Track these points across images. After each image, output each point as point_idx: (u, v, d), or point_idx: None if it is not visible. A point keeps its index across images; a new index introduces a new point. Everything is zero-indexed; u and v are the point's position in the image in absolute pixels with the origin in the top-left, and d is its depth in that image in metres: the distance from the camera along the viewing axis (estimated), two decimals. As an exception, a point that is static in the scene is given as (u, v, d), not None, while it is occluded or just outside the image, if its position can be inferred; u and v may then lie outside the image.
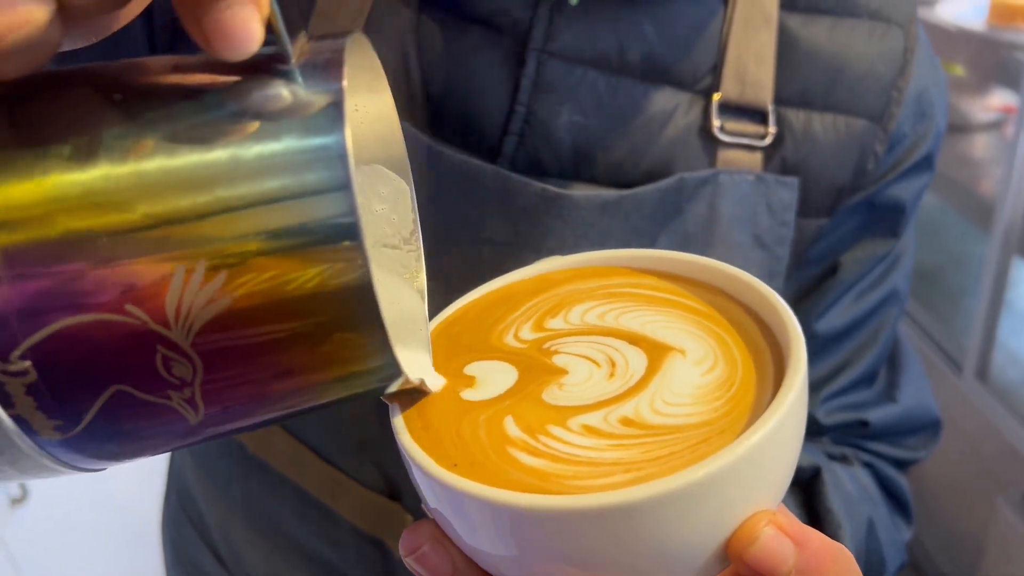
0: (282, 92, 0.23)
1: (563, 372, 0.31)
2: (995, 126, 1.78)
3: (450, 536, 0.29)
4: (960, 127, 1.79)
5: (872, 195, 0.53)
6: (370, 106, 0.31)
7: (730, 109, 0.49)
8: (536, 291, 0.36)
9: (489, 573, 0.29)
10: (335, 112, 0.23)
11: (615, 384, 0.30)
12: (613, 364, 0.31)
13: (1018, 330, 1.62)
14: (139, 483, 1.75)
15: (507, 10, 0.46)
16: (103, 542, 1.52)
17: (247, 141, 0.22)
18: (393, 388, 0.27)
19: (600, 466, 0.26)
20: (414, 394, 0.31)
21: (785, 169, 0.50)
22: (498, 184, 0.46)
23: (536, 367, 0.31)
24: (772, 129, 0.49)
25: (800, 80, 0.50)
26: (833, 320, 0.54)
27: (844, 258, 0.54)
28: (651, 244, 0.48)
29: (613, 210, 0.47)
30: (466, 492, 0.26)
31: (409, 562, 0.30)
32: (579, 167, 0.48)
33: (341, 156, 0.22)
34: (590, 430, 0.28)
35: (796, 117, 0.50)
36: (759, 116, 0.50)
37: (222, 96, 0.23)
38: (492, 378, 0.31)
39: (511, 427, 0.28)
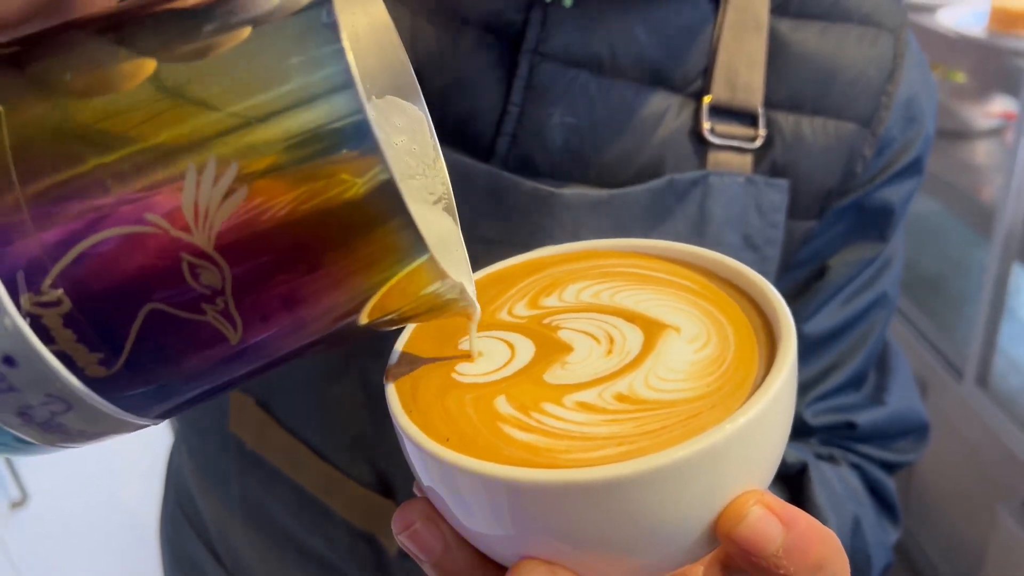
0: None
1: (567, 347, 0.31)
2: (996, 133, 1.78)
3: (442, 513, 0.29)
4: (961, 133, 1.79)
5: (861, 198, 0.53)
6: (369, 33, 0.31)
7: (720, 112, 0.50)
8: (528, 273, 0.36)
9: (479, 550, 0.30)
10: (327, 14, 0.22)
11: (612, 361, 0.30)
12: (612, 340, 0.31)
13: (1019, 337, 1.62)
14: (139, 485, 1.76)
15: (501, 12, 0.47)
16: (103, 543, 1.52)
17: (243, 47, 0.22)
18: (432, 289, 0.26)
19: (593, 440, 0.26)
20: (413, 363, 0.31)
21: (775, 171, 0.51)
22: (490, 183, 0.47)
23: (538, 340, 0.31)
24: (762, 132, 0.50)
25: (790, 84, 0.51)
26: (822, 322, 0.55)
27: (833, 261, 0.55)
28: None
29: (604, 209, 0.48)
30: (456, 466, 0.26)
31: (401, 539, 0.30)
32: (571, 167, 0.49)
33: (337, 43, 0.22)
34: (584, 406, 0.28)
35: (786, 120, 0.51)
36: (749, 119, 0.50)
37: (213, 8, 0.23)
38: (489, 353, 0.31)
39: (504, 405, 0.28)
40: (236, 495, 0.60)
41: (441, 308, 0.28)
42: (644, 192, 0.48)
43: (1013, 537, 1.40)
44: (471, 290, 0.30)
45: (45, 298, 0.22)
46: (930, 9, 1.69)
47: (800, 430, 0.57)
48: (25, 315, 0.22)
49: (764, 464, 0.28)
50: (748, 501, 0.26)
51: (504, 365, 0.31)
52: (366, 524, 0.54)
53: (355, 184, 0.22)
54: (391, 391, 0.30)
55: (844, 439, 0.58)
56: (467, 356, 0.31)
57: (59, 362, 0.23)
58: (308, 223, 0.22)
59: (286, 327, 0.24)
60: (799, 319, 0.55)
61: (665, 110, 0.49)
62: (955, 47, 1.55)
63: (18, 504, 1.25)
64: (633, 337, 0.31)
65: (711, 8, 0.50)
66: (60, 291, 0.22)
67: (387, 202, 0.22)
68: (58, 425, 0.24)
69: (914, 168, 0.54)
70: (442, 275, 0.25)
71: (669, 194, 0.49)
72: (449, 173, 0.47)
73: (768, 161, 0.51)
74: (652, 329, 0.31)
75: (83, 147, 0.22)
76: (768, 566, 0.26)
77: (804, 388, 0.56)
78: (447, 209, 0.33)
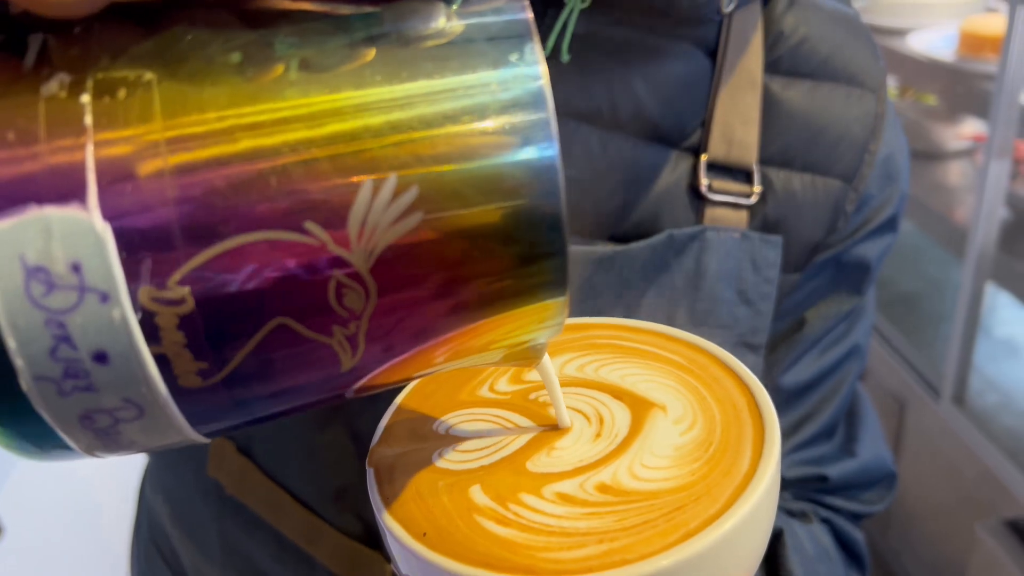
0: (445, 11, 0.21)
1: (551, 426, 0.30)
2: (967, 154, 1.81)
3: None
4: (933, 155, 1.81)
5: (840, 253, 0.54)
6: None
7: (717, 168, 0.51)
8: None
9: None
10: (524, 28, 0.21)
11: (600, 445, 0.29)
12: (601, 421, 0.30)
13: (995, 355, 1.64)
14: (115, 518, 1.74)
15: None
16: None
17: (439, 58, 0.21)
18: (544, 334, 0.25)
19: (572, 536, 0.26)
20: (396, 443, 0.30)
21: (767, 226, 0.52)
22: None
23: (526, 419, 0.31)
24: (758, 188, 0.51)
25: (781, 140, 0.52)
26: (798, 374, 0.56)
27: (809, 314, 0.56)
28: (641, 297, 0.49)
29: (608, 265, 0.48)
30: (432, 564, 0.25)
31: None
32: (571, 220, 0.49)
33: (536, 80, 0.21)
34: (564, 498, 0.27)
35: (777, 176, 0.52)
36: (744, 175, 0.51)
37: (391, 13, 0.21)
38: (471, 438, 0.31)
39: (480, 495, 0.28)
40: (215, 540, 0.58)
41: (522, 355, 0.26)
42: (645, 248, 0.48)
43: (993, 556, 1.40)
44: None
45: (168, 295, 0.20)
46: (901, 33, 1.72)
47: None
48: (138, 309, 0.20)
49: (749, 561, 0.28)
50: None
51: (487, 450, 0.30)
52: (350, 573, 0.53)
53: (530, 232, 0.21)
54: (371, 475, 0.30)
55: (816, 492, 0.58)
56: (450, 440, 0.31)
57: (156, 366, 0.20)
58: (471, 259, 0.21)
59: (401, 360, 0.23)
60: (777, 370, 0.55)
61: (663, 164, 0.50)
62: (926, 70, 1.58)
63: (-8, 537, 1.23)
64: (622, 417, 0.30)
65: (709, 65, 0.51)
66: (187, 290, 0.20)
67: (551, 246, 0.21)
68: (115, 433, 0.22)
69: (890, 225, 0.56)
70: (563, 321, 0.24)
71: (668, 249, 0.49)
72: None
73: (760, 216, 0.52)
74: (639, 408, 0.31)
75: (246, 135, 0.20)
76: None
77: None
78: None
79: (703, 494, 0.27)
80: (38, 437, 0.21)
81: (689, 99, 0.50)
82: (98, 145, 0.19)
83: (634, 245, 0.48)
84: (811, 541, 0.54)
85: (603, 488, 0.27)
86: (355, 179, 0.20)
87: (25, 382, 0.20)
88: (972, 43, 1.49)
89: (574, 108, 0.48)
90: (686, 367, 0.33)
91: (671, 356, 0.33)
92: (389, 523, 0.27)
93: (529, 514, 0.27)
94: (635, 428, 0.30)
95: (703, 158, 0.50)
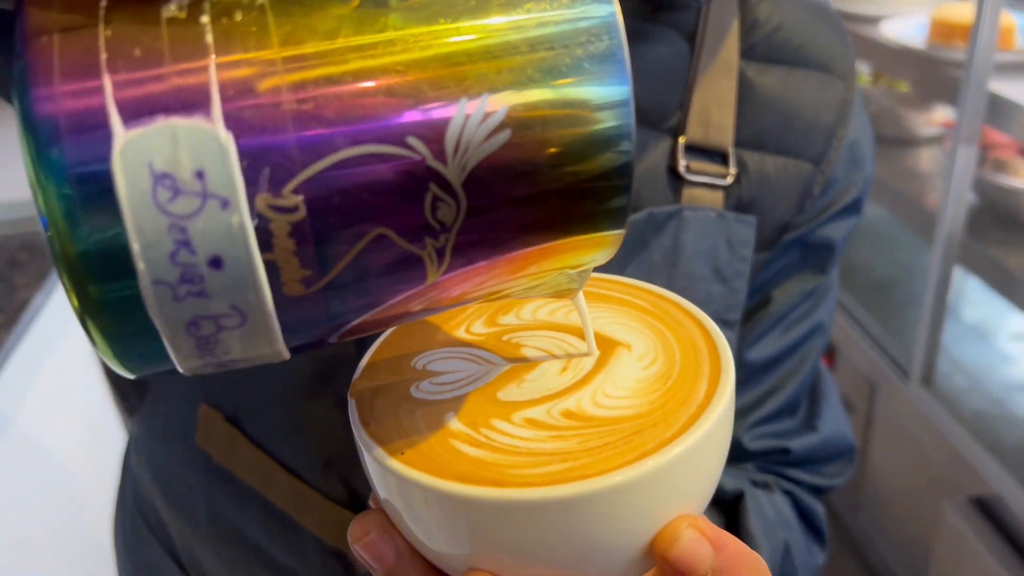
0: None
1: (525, 363, 0.32)
2: (938, 140, 1.83)
3: (396, 524, 0.31)
4: (906, 141, 1.84)
5: (806, 234, 0.57)
6: None
7: (694, 150, 0.53)
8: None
9: (430, 561, 0.31)
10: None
11: (566, 377, 0.31)
12: (568, 357, 0.32)
13: (963, 338, 1.67)
14: (98, 503, 1.74)
15: None
16: (61, 561, 1.50)
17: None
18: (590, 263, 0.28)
19: (538, 456, 0.28)
20: (376, 378, 0.33)
21: (740, 206, 0.54)
22: None
23: (498, 357, 0.33)
24: (733, 170, 0.53)
25: (756, 124, 0.54)
26: (763, 350, 0.58)
27: (776, 292, 0.58)
28: (620, 272, 0.51)
29: None
30: (408, 479, 0.27)
31: (356, 548, 0.31)
32: None
33: (611, 13, 0.23)
34: (532, 423, 0.29)
35: (751, 158, 0.54)
36: (720, 157, 0.53)
37: None
38: (448, 370, 0.33)
39: (455, 422, 0.30)
40: (203, 509, 0.59)
41: (559, 284, 0.29)
42: (628, 225, 0.50)
43: (958, 533, 1.44)
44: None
45: (283, 203, 0.21)
46: (874, 21, 1.74)
47: (738, 455, 0.59)
48: (255, 216, 0.21)
49: (699, 489, 0.30)
50: (682, 524, 0.28)
51: (461, 382, 0.32)
52: (337, 541, 0.54)
53: (604, 156, 0.23)
54: (352, 405, 0.31)
55: (778, 464, 0.60)
56: (427, 374, 0.32)
57: (266, 272, 0.22)
58: (550, 178, 0.23)
59: (476, 274, 0.25)
60: (743, 345, 0.58)
61: (644, 145, 0.52)
62: (898, 58, 1.60)
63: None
64: (587, 354, 0.32)
65: (687, 50, 0.53)
66: (300, 198, 0.21)
67: (622, 176, 0.24)
68: (214, 343, 0.23)
69: (854, 207, 0.58)
70: (610, 253, 0.26)
71: (647, 226, 0.51)
72: None
73: (735, 197, 0.54)
74: (605, 346, 0.33)
75: (355, 56, 0.21)
76: None
77: (743, 413, 0.59)
78: None
79: (660, 420, 0.29)
80: (142, 344, 0.23)
81: (669, 82, 0.52)
82: (219, 63, 0.21)
83: None
84: (772, 507, 0.56)
85: (568, 414, 0.30)
86: (452, 98, 0.22)
87: (143, 286, 0.21)
88: (942, 31, 1.51)
89: None
90: (652, 312, 0.35)
91: (639, 303, 0.35)
92: (369, 446, 0.29)
93: (499, 437, 0.29)
94: (600, 363, 0.32)
95: (681, 140, 0.52)
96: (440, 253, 0.23)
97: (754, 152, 0.54)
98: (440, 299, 0.26)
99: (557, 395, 0.31)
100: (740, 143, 0.54)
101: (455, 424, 0.30)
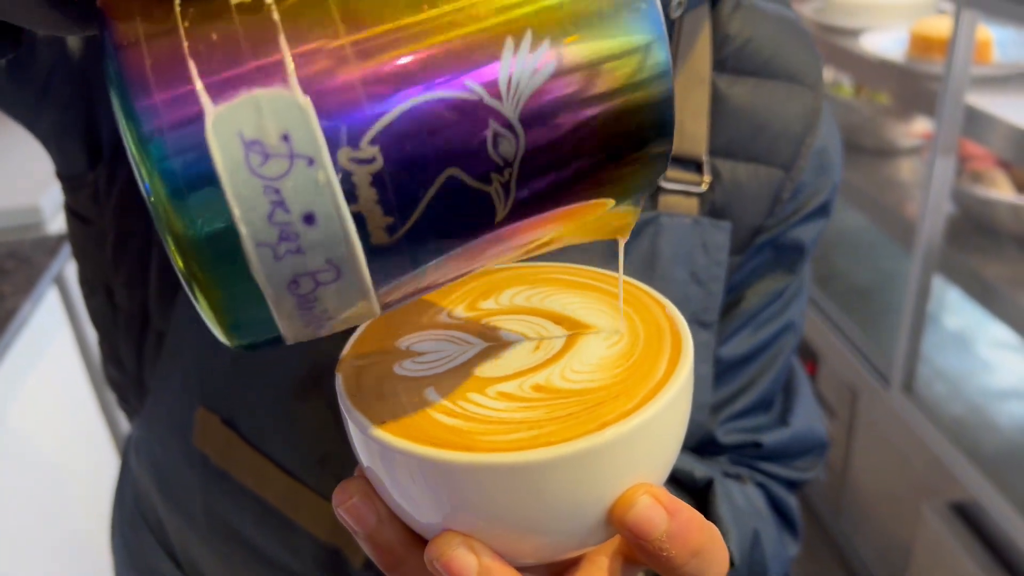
0: None
1: (501, 343, 0.35)
2: (917, 151, 1.87)
3: (377, 490, 0.33)
4: (885, 152, 1.87)
5: (777, 236, 0.59)
6: None
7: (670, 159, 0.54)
8: (470, 279, 0.39)
9: (409, 526, 0.33)
10: None
11: (537, 356, 0.34)
12: (541, 338, 0.35)
13: (943, 346, 1.70)
14: (84, 500, 1.73)
15: None
16: (49, 558, 1.50)
17: None
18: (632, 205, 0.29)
19: (508, 424, 0.30)
20: (362, 357, 0.35)
21: (714, 211, 0.56)
22: None
23: (476, 339, 0.35)
24: (707, 178, 0.55)
25: (728, 133, 0.56)
26: (736, 347, 0.60)
27: (748, 292, 0.60)
28: None
29: (567, 249, 0.52)
30: (387, 444, 0.30)
31: (339, 512, 0.33)
32: None
33: None
34: (504, 395, 0.32)
35: (724, 166, 0.56)
36: (695, 165, 0.55)
37: None
38: (430, 351, 0.35)
39: (433, 394, 0.32)
40: (200, 507, 0.61)
41: (603, 227, 0.31)
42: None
43: (937, 537, 1.46)
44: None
45: (361, 155, 0.23)
46: (855, 33, 1.77)
47: (712, 449, 0.61)
48: (339, 170, 0.23)
49: (657, 460, 0.32)
50: (639, 491, 0.31)
51: (441, 361, 0.34)
52: (332, 537, 0.56)
53: (643, 74, 0.25)
54: (339, 379, 0.33)
55: (751, 458, 0.62)
56: (410, 354, 0.35)
57: (354, 223, 0.23)
58: (601, 103, 0.25)
59: (540, 210, 0.26)
60: (716, 343, 0.59)
61: None
62: (878, 70, 1.63)
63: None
64: (559, 335, 0.35)
65: None
66: (377, 148, 0.23)
67: (662, 85, 0.25)
68: (313, 300, 0.25)
69: (823, 210, 0.61)
70: (658, 173, 0.28)
71: None
72: None
73: (709, 203, 0.56)
74: (574, 328, 0.35)
75: (410, 15, 0.23)
76: (653, 550, 0.31)
77: (717, 408, 0.61)
78: None
79: (621, 393, 0.31)
80: (248, 307, 0.24)
81: None
82: (288, 35, 0.23)
83: None
84: (743, 497, 0.58)
85: (537, 388, 0.32)
86: (499, 39, 0.24)
87: (247, 248, 0.23)
88: (921, 44, 1.54)
89: None
90: (623, 298, 0.37)
91: (610, 289, 0.38)
92: (353, 416, 0.31)
93: (473, 408, 0.31)
94: (569, 343, 0.34)
95: None
96: (506, 188, 0.25)
97: (726, 160, 0.56)
98: (511, 242, 0.27)
99: (529, 371, 0.33)
100: (713, 152, 0.56)
101: (433, 396, 0.32)
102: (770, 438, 0.62)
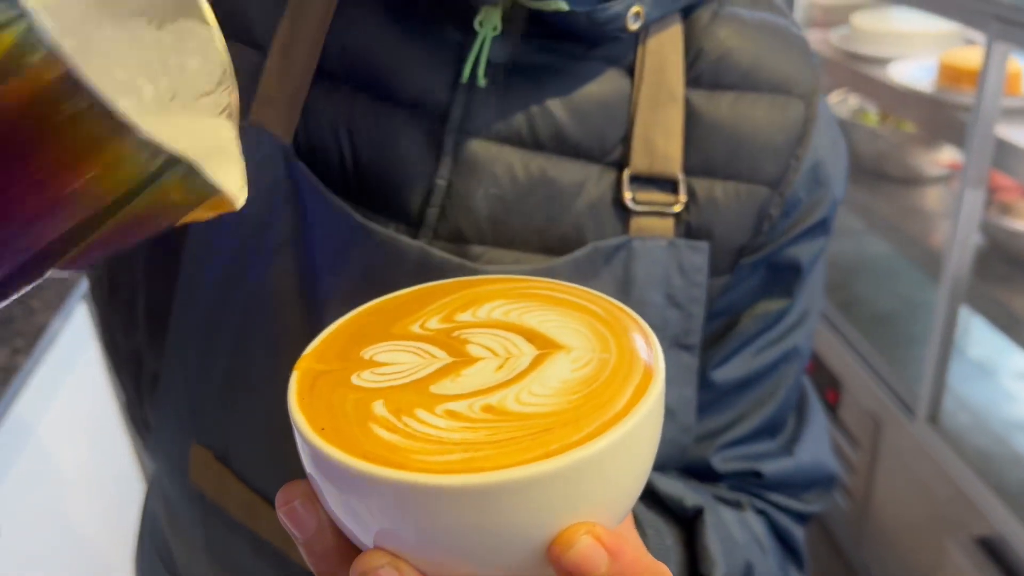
0: None
1: (466, 359, 0.33)
2: (944, 180, 1.86)
3: (318, 496, 0.32)
4: (911, 180, 1.87)
5: (770, 255, 0.57)
6: None
7: (641, 180, 0.53)
8: (454, 290, 0.38)
9: (346, 536, 0.32)
10: None
11: (499, 375, 0.32)
12: (508, 356, 0.33)
13: (968, 376, 1.69)
14: (102, 519, 1.75)
15: (430, 92, 0.51)
16: (67, 582, 1.51)
17: None
18: (146, 164, 0.26)
19: (444, 444, 0.29)
20: (322, 360, 0.34)
21: (691, 232, 0.54)
22: (421, 260, 0.50)
23: (442, 351, 0.34)
24: (682, 198, 0.53)
25: (704, 151, 0.54)
26: (731, 372, 0.58)
27: (743, 315, 0.58)
28: None
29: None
30: (320, 451, 0.29)
31: (280, 514, 0.33)
32: (498, 235, 0.52)
33: None
34: (451, 414, 0.30)
35: (700, 185, 0.54)
36: (669, 185, 0.53)
37: None
38: (391, 363, 0.34)
39: (379, 408, 0.31)
40: (201, 539, 0.61)
41: (185, 196, 0.28)
42: (569, 262, 0.51)
43: (961, 571, 1.45)
44: (236, 183, 0.30)
45: None
46: (880, 62, 1.78)
47: (708, 475, 0.59)
48: None
49: (607, 498, 0.30)
50: (579, 530, 0.29)
51: (401, 374, 0.33)
52: None
53: (42, 79, 0.23)
54: (293, 379, 0.33)
55: (753, 486, 0.60)
56: (371, 364, 0.34)
57: None
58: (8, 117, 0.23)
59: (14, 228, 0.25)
60: (709, 365, 0.58)
61: (584, 180, 0.53)
62: (905, 99, 1.63)
63: (-17, 539, 1.24)
64: (527, 354, 0.33)
65: (628, 83, 0.53)
66: None
67: (75, 91, 0.23)
68: None
69: (820, 228, 0.58)
70: (148, 145, 0.25)
71: (594, 261, 0.52)
72: (383, 252, 0.50)
73: (685, 223, 0.54)
74: (545, 347, 0.34)
75: None
76: None
77: (712, 435, 0.59)
78: (231, 117, 0.34)
79: (571, 421, 0.29)
80: None
81: (607, 117, 0.53)
82: None
83: (558, 261, 0.51)
84: (739, 525, 0.56)
85: (487, 408, 0.30)
86: None
87: None
88: (950, 75, 1.54)
89: (495, 132, 0.52)
90: (602, 318, 0.36)
91: (592, 308, 0.36)
92: (297, 420, 0.31)
93: (417, 425, 0.30)
94: (535, 363, 0.33)
95: (626, 172, 0.53)
96: None
97: (703, 179, 0.54)
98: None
99: (485, 391, 0.31)
100: (689, 171, 0.54)
101: (380, 410, 0.31)
102: (772, 468, 0.60)
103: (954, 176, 1.83)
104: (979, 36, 1.69)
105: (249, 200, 0.51)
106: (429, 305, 0.37)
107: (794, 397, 0.62)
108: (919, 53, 1.76)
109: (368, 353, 0.34)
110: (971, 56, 1.52)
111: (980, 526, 1.45)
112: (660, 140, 0.53)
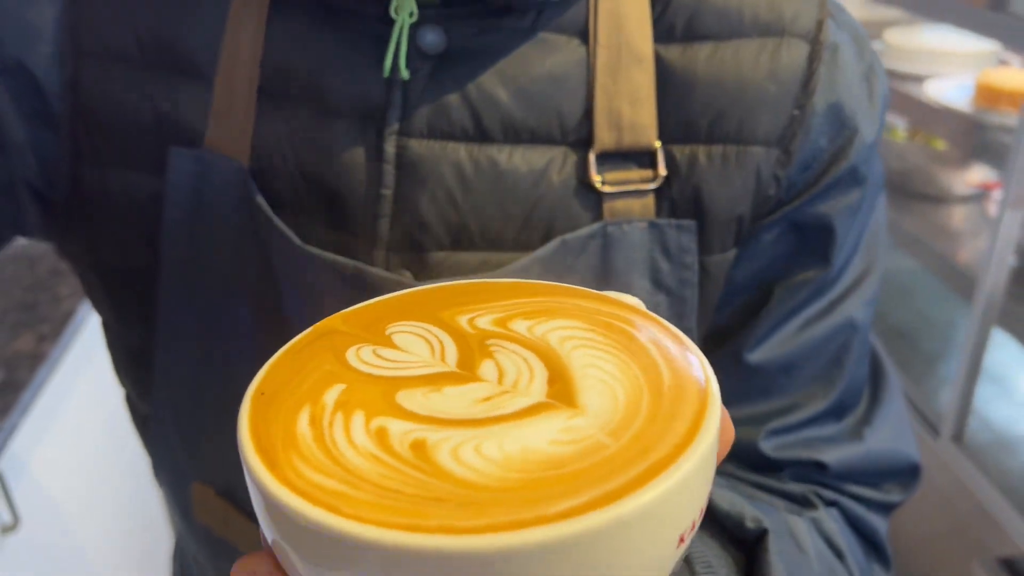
0: None
1: (466, 373, 0.29)
2: (974, 199, 1.86)
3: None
4: (940, 198, 1.87)
5: (792, 215, 0.50)
6: None
7: (611, 157, 0.47)
8: (533, 294, 0.33)
9: None
10: None
11: (474, 410, 0.27)
12: (514, 386, 0.28)
13: (993, 396, 1.69)
14: (131, 511, 1.73)
15: (365, 96, 0.47)
16: (94, 569, 1.50)
17: None
18: None
19: (337, 467, 0.25)
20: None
21: (676, 208, 0.48)
22: (360, 281, 0.46)
23: (460, 353, 0.30)
24: (662, 172, 0.47)
25: (680, 114, 0.47)
26: (771, 351, 0.51)
27: (777, 287, 0.51)
28: None
29: (506, 276, 0.45)
30: (239, 428, 0.27)
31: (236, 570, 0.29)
32: (456, 239, 0.48)
33: None
34: (378, 435, 0.26)
35: (681, 152, 0.48)
36: (646, 158, 0.48)
37: None
38: (401, 348, 0.30)
39: (331, 394, 0.28)
40: (212, 573, 0.61)
41: None
42: (534, 261, 0.46)
43: (986, 592, 1.44)
44: None
45: None
46: (914, 79, 1.78)
47: (762, 464, 0.52)
48: None
49: None
50: None
51: (395, 365, 0.29)
52: None
53: None
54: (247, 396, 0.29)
55: (816, 475, 0.53)
56: (384, 342, 0.31)
57: None
58: None
59: None
60: (743, 348, 0.51)
61: (545, 165, 0.47)
62: (939, 117, 1.63)
63: (9, 528, 1.23)
64: (534, 392, 0.28)
65: (583, 52, 0.47)
66: None
67: None
68: None
69: (850, 178, 0.50)
70: None
71: (564, 255, 0.47)
72: (326, 275, 0.47)
73: (668, 199, 0.48)
74: (560, 397, 0.27)
75: None
76: None
77: (758, 420, 0.52)
78: None
79: (471, 503, 0.23)
80: None
81: (562, 93, 0.47)
82: None
83: (523, 261, 0.46)
84: (811, 535, 0.49)
85: (416, 446, 0.25)
86: None
87: None
88: (987, 95, 1.54)
89: (437, 130, 0.47)
90: (651, 370, 0.28)
91: (657, 353, 0.29)
92: (258, 375, 0.29)
93: (338, 432, 0.26)
94: (524, 413, 0.26)
95: (592, 151, 0.47)
96: None
97: (684, 146, 0.48)
98: None
99: (436, 423, 0.26)
100: (667, 139, 0.48)
101: (329, 396, 0.28)
102: (836, 455, 0.52)
103: (985, 195, 1.83)
104: (1014, 57, 1.69)
105: (217, 227, 0.48)
106: (493, 301, 0.33)
107: (863, 374, 0.55)
108: (952, 71, 1.76)
109: (393, 328, 0.31)
110: (1009, 76, 1.53)
111: (1005, 546, 1.44)
112: (626, 109, 0.47)
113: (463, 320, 0.32)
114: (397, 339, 0.31)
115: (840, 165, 0.49)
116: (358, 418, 0.27)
